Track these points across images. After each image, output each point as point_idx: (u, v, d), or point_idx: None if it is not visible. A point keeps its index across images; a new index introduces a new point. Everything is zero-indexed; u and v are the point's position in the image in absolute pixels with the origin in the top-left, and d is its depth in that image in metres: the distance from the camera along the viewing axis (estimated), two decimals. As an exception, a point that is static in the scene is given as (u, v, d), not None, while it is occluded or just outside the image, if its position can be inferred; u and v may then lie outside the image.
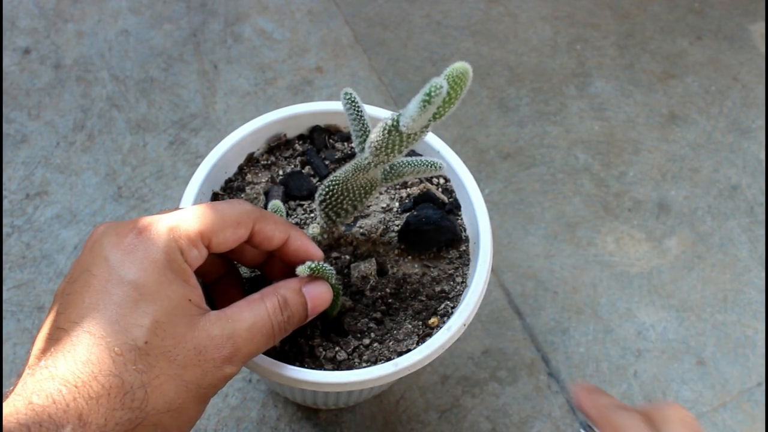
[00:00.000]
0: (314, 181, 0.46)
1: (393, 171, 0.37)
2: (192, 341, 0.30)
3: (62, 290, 0.31)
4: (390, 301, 0.41)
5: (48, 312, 0.30)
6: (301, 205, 0.45)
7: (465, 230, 0.45)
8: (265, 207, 0.43)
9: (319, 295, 0.36)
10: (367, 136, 0.35)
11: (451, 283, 0.42)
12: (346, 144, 0.48)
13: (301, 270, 0.35)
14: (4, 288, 0.58)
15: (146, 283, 0.30)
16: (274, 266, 0.39)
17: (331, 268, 0.36)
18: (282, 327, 0.34)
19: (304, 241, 0.37)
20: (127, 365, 0.28)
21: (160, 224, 0.31)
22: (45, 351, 0.28)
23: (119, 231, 0.31)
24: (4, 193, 0.63)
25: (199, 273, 0.39)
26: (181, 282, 0.31)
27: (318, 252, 0.37)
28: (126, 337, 0.28)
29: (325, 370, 0.38)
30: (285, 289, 0.35)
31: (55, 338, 0.29)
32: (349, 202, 0.39)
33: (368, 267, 0.41)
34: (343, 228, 0.43)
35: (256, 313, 0.33)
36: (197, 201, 0.42)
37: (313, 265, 0.35)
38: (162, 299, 0.30)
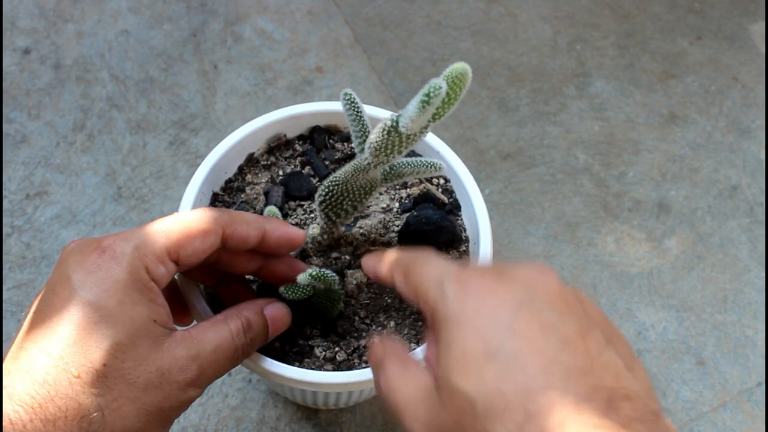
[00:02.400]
0: (314, 181, 0.46)
1: (393, 171, 0.37)
2: (155, 363, 0.30)
3: (30, 308, 0.30)
4: (389, 301, 0.41)
5: (18, 330, 0.30)
6: (301, 206, 0.45)
7: (465, 230, 0.45)
8: (264, 207, 0.43)
9: (280, 318, 0.36)
10: (366, 137, 0.35)
11: (451, 283, 0.42)
12: (346, 144, 0.48)
13: (302, 278, 0.35)
14: (4, 288, 0.58)
15: (107, 305, 0.29)
16: (274, 269, 0.38)
17: (333, 273, 0.36)
18: (245, 349, 0.34)
19: (282, 229, 0.36)
20: (84, 387, 0.28)
21: (124, 242, 0.31)
22: (6, 369, 0.28)
23: (83, 249, 0.30)
24: (4, 193, 0.63)
25: (198, 279, 0.39)
26: (146, 302, 0.30)
27: (299, 233, 0.37)
28: (84, 359, 0.28)
29: (325, 370, 0.38)
30: (247, 310, 0.34)
31: (15, 357, 0.28)
32: (349, 202, 0.39)
33: (363, 275, 0.41)
34: (343, 228, 0.43)
35: (221, 335, 0.32)
36: (197, 201, 0.42)
37: (314, 273, 0.35)
38: (123, 321, 0.29)
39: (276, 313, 0.36)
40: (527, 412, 0.24)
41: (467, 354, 0.26)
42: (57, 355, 0.28)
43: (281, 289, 0.36)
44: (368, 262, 0.36)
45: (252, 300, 0.36)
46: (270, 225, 0.36)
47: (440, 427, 0.27)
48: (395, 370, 0.30)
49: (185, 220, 0.32)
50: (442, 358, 0.27)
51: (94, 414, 0.28)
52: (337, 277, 0.36)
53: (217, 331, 0.32)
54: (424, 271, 0.30)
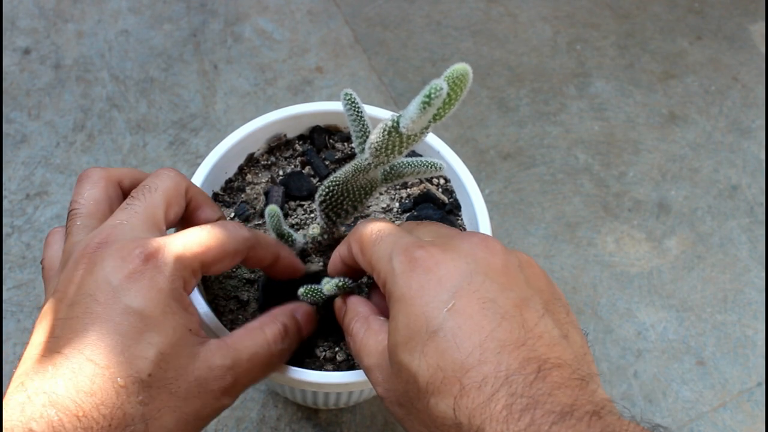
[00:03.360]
0: (314, 181, 0.46)
1: (393, 171, 0.37)
2: (193, 373, 0.30)
3: (56, 310, 0.29)
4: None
5: (35, 329, 0.29)
6: (301, 206, 0.45)
7: (465, 230, 0.45)
8: (264, 207, 0.43)
9: (310, 320, 0.37)
10: (367, 137, 0.35)
11: (451, 283, 0.42)
12: (346, 144, 0.48)
13: (329, 288, 0.36)
14: (4, 288, 0.58)
15: (152, 314, 0.29)
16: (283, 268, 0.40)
17: (348, 281, 0.36)
18: (281, 355, 0.34)
19: (291, 259, 0.38)
20: (130, 397, 0.27)
21: (167, 252, 0.30)
22: (40, 373, 0.27)
23: (124, 255, 0.30)
24: (4, 193, 0.63)
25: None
26: (182, 312, 0.30)
27: (301, 266, 0.39)
28: (130, 368, 0.28)
29: (325, 370, 0.38)
30: (282, 316, 0.35)
31: (52, 362, 0.27)
32: (349, 202, 0.39)
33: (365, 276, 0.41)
34: (343, 228, 0.43)
35: (257, 343, 0.32)
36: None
37: (340, 283, 0.36)
38: (167, 330, 0.29)
39: (306, 316, 0.36)
40: (462, 386, 0.25)
41: (411, 331, 0.28)
42: (103, 365, 0.27)
43: (301, 291, 0.37)
44: (333, 254, 0.37)
45: (282, 305, 0.36)
46: (283, 252, 0.37)
47: (394, 392, 0.29)
48: (360, 332, 0.33)
49: (223, 239, 0.33)
50: (391, 332, 0.29)
51: (138, 424, 0.28)
52: (354, 283, 0.37)
53: (253, 339, 0.32)
54: (377, 248, 0.32)
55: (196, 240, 0.32)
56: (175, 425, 0.29)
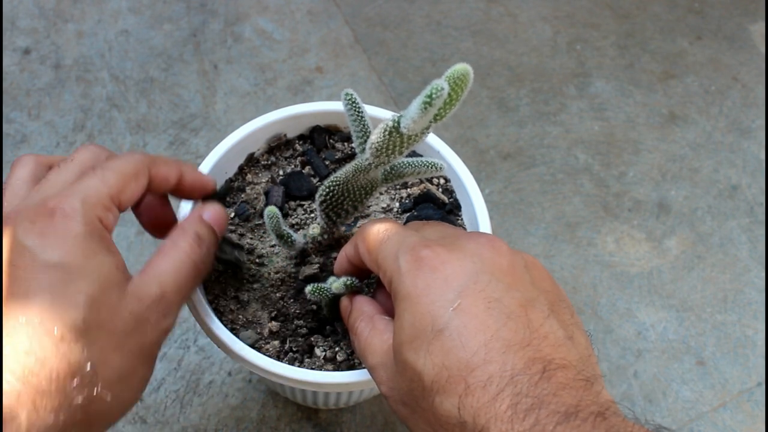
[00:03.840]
0: (314, 181, 0.46)
1: (393, 172, 0.37)
2: (126, 308, 0.30)
3: None
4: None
5: None
6: (302, 206, 0.45)
7: (465, 230, 0.45)
8: (265, 207, 0.43)
9: (220, 216, 0.37)
10: (367, 137, 0.35)
11: (452, 283, 0.42)
12: (346, 144, 0.48)
13: (338, 286, 0.36)
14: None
15: (73, 261, 0.29)
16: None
17: (354, 280, 0.36)
18: (204, 260, 0.34)
19: (196, 174, 0.38)
20: (70, 345, 0.28)
21: (70, 199, 0.31)
22: None
23: (30, 216, 0.30)
24: (4, 193, 0.63)
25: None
26: (106, 251, 0.31)
27: (210, 179, 0.39)
28: (63, 318, 0.28)
29: (325, 370, 0.38)
30: (191, 224, 0.35)
31: None
32: (350, 202, 0.39)
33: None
34: (343, 228, 0.43)
35: (176, 259, 0.33)
36: (197, 201, 0.42)
37: (349, 282, 0.36)
38: (91, 273, 0.29)
39: (214, 214, 0.36)
40: (467, 385, 0.26)
41: (417, 330, 0.28)
42: (37, 321, 0.28)
43: (308, 289, 0.37)
44: (339, 254, 0.37)
45: (190, 214, 0.36)
46: (185, 167, 0.37)
47: (398, 391, 0.29)
48: (365, 331, 0.33)
49: (118, 166, 0.33)
50: (396, 330, 0.29)
51: (86, 369, 0.28)
52: (358, 282, 0.37)
53: (171, 258, 0.33)
54: (383, 247, 0.32)
55: (97, 176, 0.32)
56: (122, 360, 0.29)
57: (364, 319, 0.34)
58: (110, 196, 0.32)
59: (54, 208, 0.30)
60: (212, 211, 0.36)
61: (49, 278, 0.29)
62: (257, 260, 0.43)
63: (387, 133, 0.32)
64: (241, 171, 0.46)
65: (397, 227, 0.33)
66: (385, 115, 0.45)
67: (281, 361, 0.37)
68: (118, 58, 0.73)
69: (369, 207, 0.45)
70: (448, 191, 0.46)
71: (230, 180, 0.46)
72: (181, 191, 0.38)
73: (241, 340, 0.37)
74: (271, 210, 0.39)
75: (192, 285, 0.33)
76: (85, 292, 0.29)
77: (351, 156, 0.47)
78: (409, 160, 0.37)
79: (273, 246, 0.43)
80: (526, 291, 0.28)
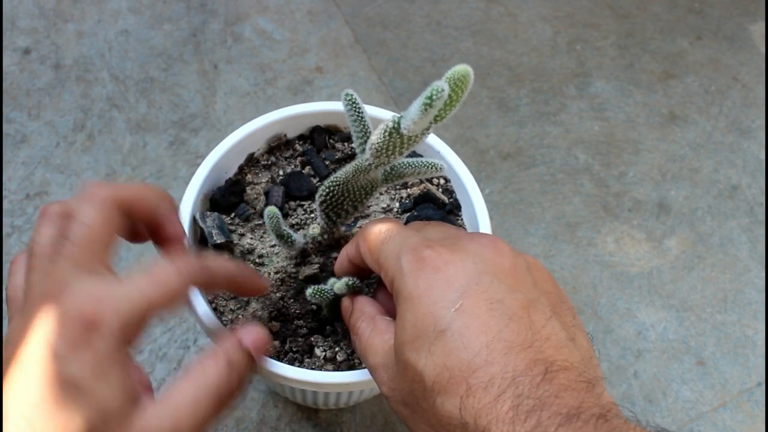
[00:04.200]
0: (314, 181, 0.46)
1: (393, 172, 0.37)
2: None
3: (7, 364, 0.27)
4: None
5: None
6: (302, 206, 0.45)
7: (466, 231, 0.45)
8: (265, 207, 0.43)
9: (261, 340, 0.33)
10: (367, 138, 0.35)
11: (452, 283, 0.42)
12: (346, 144, 0.48)
13: (339, 286, 0.36)
14: (4, 288, 0.58)
15: (86, 383, 0.27)
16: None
17: (356, 280, 0.36)
18: (232, 391, 0.31)
19: (251, 280, 0.36)
20: None
21: (107, 315, 0.28)
22: None
23: (65, 319, 0.27)
24: (4, 193, 0.63)
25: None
26: (119, 374, 0.28)
27: (264, 285, 0.37)
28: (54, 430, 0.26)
29: (325, 370, 0.38)
30: (225, 348, 0.31)
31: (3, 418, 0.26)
32: (350, 202, 0.39)
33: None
34: (343, 228, 0.43)
35: (198, 386, 0.29)
36: (198, 201, 0.42)
37: (350, 282, 0.36)
38: (98, 399, 0.27)
39: (255, 338, 0.33)
40: (469, 386, 0.25)
41: (419, 330, 0.28)
42: (28, 418, 0.26)
43: (308, 292, 0.37)
44: (340, 254, 0.37)
45: (226, 336, 0.33)
46: (240, 276, 0.35)
47: (399, 391, 0.29)
48: (366, 332, 0.32)
49: (163, 287, 0.30)
50: (398, 331, 0.29)
51: None
52: (359, 282, 0.37)
53: (193, 385, 0.29)
54: (385, 247, 0.32)
55: (141, 292, 0.29)
56: None
57: (366, 319, 0.33)
58: (145, 315, 0.29)
59: (91, 324, 0.27)
60: (253, 336, 0.33)
61: (61, 391, 0.26)
62: (257, 260, 0.43)
63: (387, 133, 0.32)
64: (241, 171, 0.46)
65: (398, 227, 0.33)
66: (385, 115, 0.45)
67: (281, 361, 0.37)
68: (118, 58, 0.73)
69: (369, 207, 0.45)
70: (448, 191, 0.46)
71: (230, 180, 0.46)
72: (237, 293, 0.38)
73: (241, 340, 0.37)
74: (271, 210, 0.39)
75: (213, 419, 0.29)
76: (86, 418, 0.26)
77: (351, 156, 0.47)
78: (409, 160, 0.37)
79: (273, 246, 0.43)
80: (528, 292, 0.28)
